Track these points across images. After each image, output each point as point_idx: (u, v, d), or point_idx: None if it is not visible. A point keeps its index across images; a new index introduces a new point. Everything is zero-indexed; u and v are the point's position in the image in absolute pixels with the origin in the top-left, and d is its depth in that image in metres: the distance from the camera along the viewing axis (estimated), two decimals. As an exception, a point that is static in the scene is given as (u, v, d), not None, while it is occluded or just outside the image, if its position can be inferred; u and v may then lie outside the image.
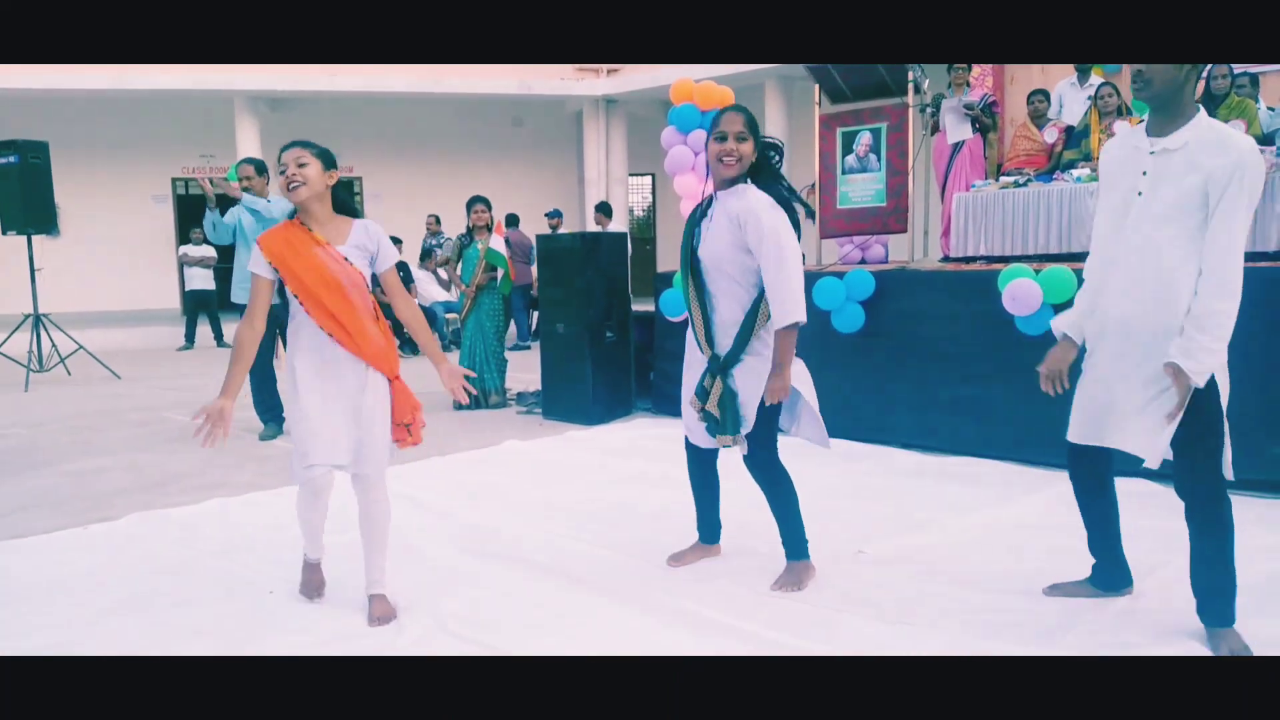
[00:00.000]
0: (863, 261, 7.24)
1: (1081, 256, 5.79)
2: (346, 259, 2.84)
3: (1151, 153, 2.57)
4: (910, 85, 6.05)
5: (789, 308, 2.94)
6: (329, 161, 2.87)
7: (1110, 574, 3.03)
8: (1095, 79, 7.43)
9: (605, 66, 15.75)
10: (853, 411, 5.57)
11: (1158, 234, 2.55)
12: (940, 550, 3.62)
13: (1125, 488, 4.17)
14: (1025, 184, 6.23)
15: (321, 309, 2.79)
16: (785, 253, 2.94)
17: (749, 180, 3.07)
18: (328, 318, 2.79)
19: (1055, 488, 4.22)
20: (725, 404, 3.07)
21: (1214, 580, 2.65)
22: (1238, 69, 6.55)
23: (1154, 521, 3.62)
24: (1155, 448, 2.61)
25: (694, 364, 3.27)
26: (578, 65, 15.67)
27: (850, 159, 6.28)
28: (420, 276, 11.96)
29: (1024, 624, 2.90)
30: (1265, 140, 5.78)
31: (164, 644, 2.83)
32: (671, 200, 16.19)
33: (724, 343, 3.12)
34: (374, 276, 2.97)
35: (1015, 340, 4.81)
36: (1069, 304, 4.67)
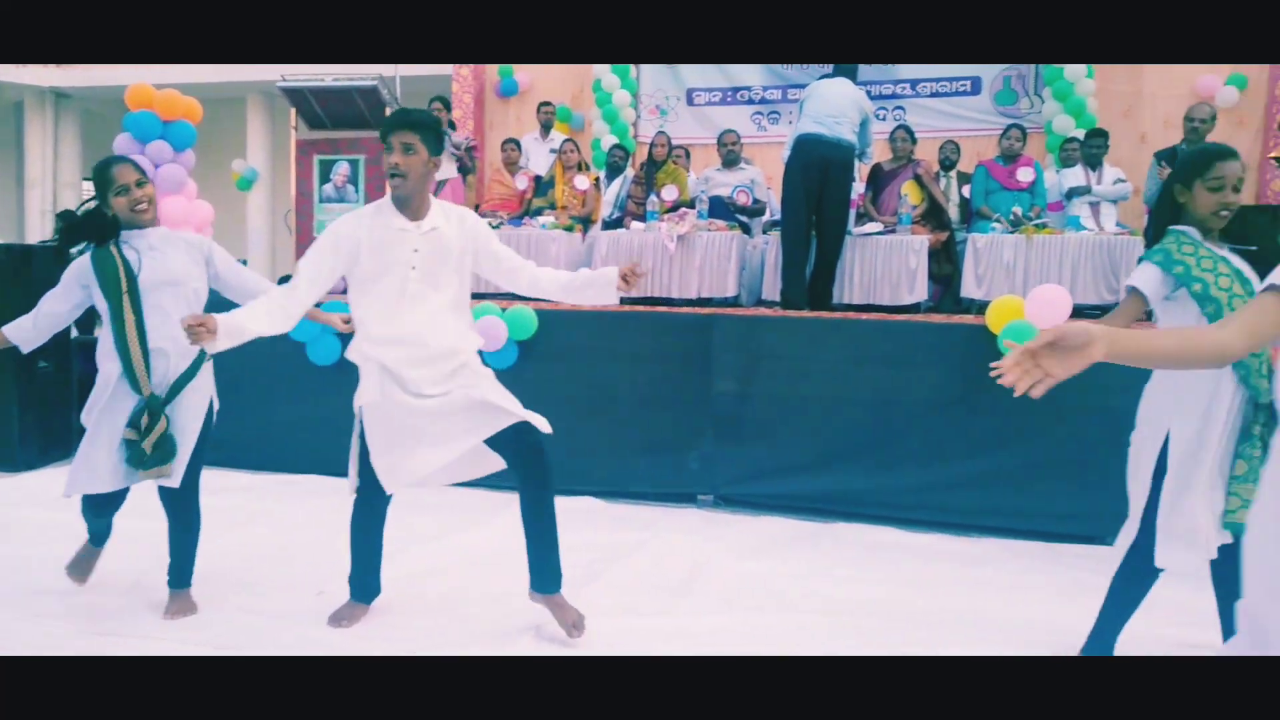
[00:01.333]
0: (344, 291, 7.14)
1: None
2: None
3: (422, 232, 2.92)
4: (388, 120, 6.15)
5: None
6: None
7: (374, 584, 3.33)
8: (557, 134, 8.19)
9: (54, 55, 13.74)
10: (319, 445, 5.46)
11: (439, 297, 2.95)
12: (414, 580, 3.67)
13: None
14: (498, 227, 6.63)
15: None
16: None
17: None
18: None
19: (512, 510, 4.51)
20: (164, 442, 3.07)
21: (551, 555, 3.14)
22: (676, 141, 7.62)
23: (593, 535, 4.06)
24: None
25: (118, 402, 3.10)
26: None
27: (328, 188, 6.19)
28: None
29: (480, 632, 3.07)
30: (689, 204, 6.79)
31: None
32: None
33: (165, 378, 3.10)
34: None
35: (483, 373, 5.09)
36: (532, 342, 5.11)
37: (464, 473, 3.16)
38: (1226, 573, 2.50)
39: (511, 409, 2.97)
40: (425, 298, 2.93)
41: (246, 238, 12.12)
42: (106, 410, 3.10)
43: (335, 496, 4.99)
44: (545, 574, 3.12)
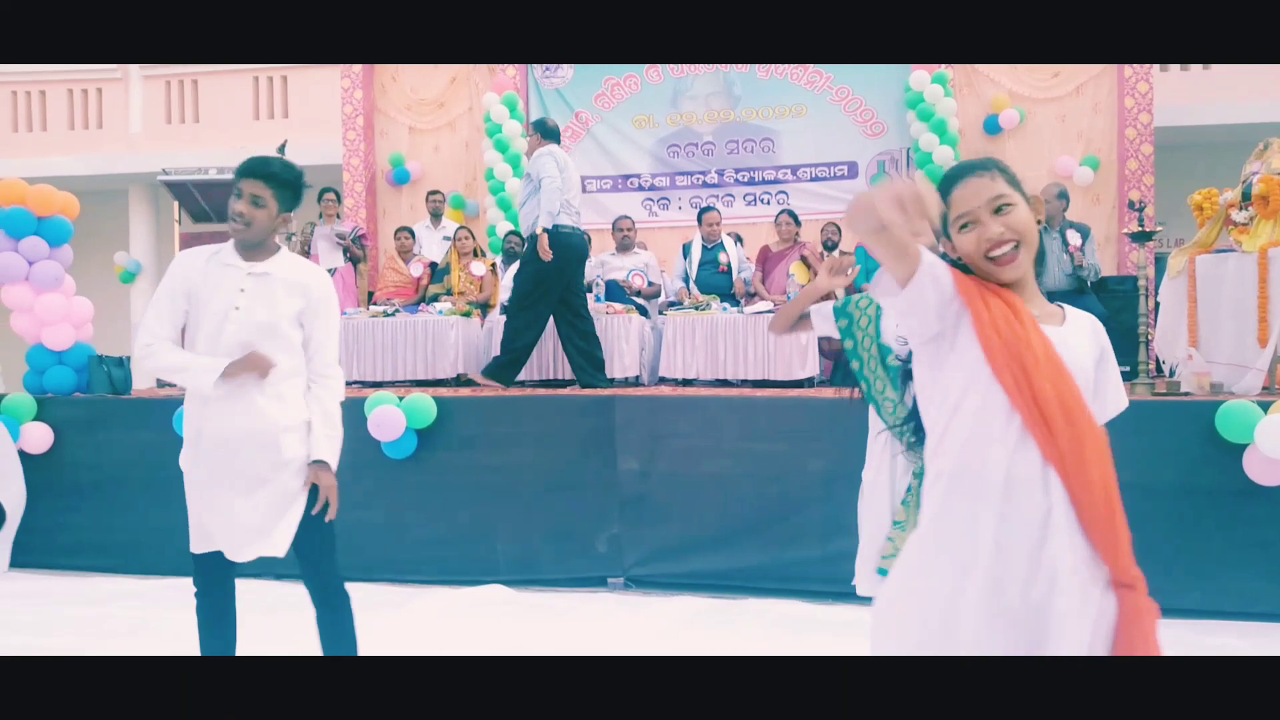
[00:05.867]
0: (235, 385, 6.95)
1: (442, 383, 6.35)
2: None
3: (249, 274, 2.67)
4: (279, 213, 6.07)
5: None
6: None
7: None
8: (449, 222, 8.25)
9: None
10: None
11: (261, 345, 2.67)
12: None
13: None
14: (394, 314, 6.60)
15: None
16: None
17: None
18: None
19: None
20: None
21: None
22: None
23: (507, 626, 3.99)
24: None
25: None
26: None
27: (216, 281, 6.06)
28: None
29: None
30: (588, 288, 6.90)
31: None
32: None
33: None
34: None
35: (384, 463, 5.01)
36: (431, 430, 5.05)
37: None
38: None
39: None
40: (244, 338, 2.65)
41: (130, 331, 11.69)
42: None
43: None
44: None
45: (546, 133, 5.86)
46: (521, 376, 6.24)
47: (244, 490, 2.68)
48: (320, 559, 2.78)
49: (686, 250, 7.13)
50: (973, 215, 1.63)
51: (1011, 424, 1.54)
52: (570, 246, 5.73)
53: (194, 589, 2.83)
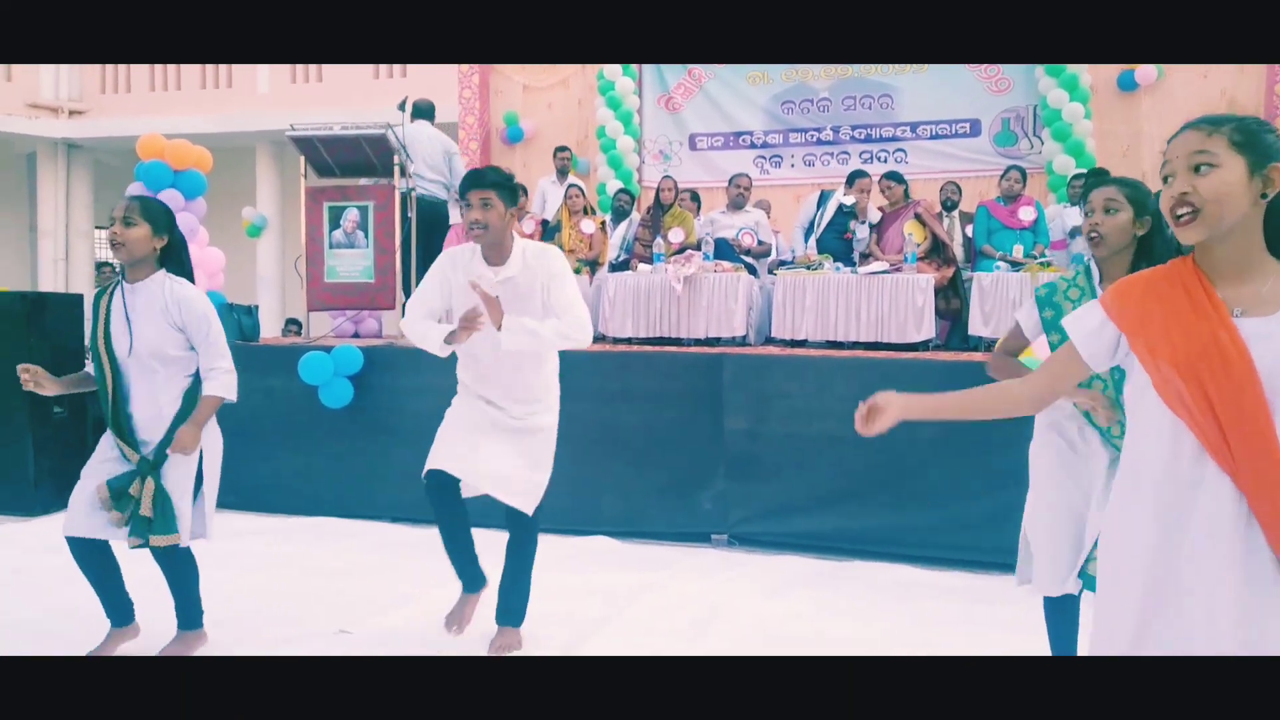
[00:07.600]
0: (356, 335, 7.19)
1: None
2: None
3: (496, 281, 3.04)
4: (396, 168, 6.23)
5: (225, 382, 3.16)
6: None
7: (475, 577, 3.41)
8: (573, 179, 8.29)
9: (67, 107, 13.96)
10: (333, 487, 5.48)
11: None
12: (426, 621, 3.65)
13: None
14: (506, 269, 6.70)
15: None
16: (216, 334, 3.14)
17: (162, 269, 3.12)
18: None
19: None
20: (159, 505, 3.03)
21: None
22: (684, 185, 7.69)
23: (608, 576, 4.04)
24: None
25: (108, 457, 3.12)
26: (32, 103, 13.69)
27: (337, 234, 6.25)
28: None
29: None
30: (695, 246, 6.86)
31: None
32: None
33: (149, 439, 3.09)
34: None
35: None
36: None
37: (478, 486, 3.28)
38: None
39: (513, 489, 3.22)
40: (499, 344, 3.01)
41: (256, 284, 12.21)
42: (99, 461, 3.11)
43: (351, 538, 5.00)
44: (506, 609, 3.36)
45: (417, 112, 6.85)
46: (630, 333, 6.27)
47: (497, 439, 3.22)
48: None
49: (823, 200, 6.73)
50: (1171, 169, 1.54)
51: (1182, 435, 1.49)
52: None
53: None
